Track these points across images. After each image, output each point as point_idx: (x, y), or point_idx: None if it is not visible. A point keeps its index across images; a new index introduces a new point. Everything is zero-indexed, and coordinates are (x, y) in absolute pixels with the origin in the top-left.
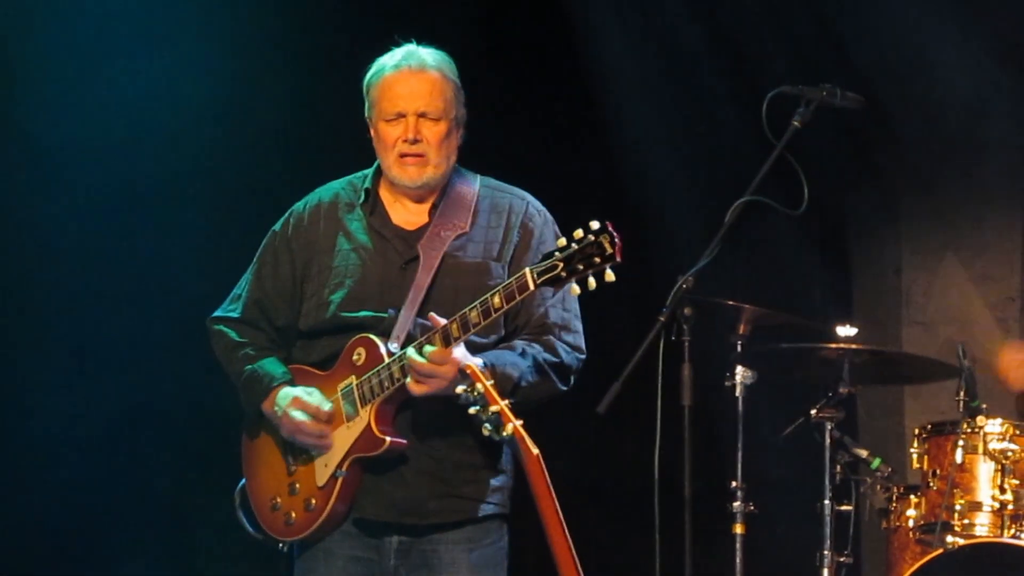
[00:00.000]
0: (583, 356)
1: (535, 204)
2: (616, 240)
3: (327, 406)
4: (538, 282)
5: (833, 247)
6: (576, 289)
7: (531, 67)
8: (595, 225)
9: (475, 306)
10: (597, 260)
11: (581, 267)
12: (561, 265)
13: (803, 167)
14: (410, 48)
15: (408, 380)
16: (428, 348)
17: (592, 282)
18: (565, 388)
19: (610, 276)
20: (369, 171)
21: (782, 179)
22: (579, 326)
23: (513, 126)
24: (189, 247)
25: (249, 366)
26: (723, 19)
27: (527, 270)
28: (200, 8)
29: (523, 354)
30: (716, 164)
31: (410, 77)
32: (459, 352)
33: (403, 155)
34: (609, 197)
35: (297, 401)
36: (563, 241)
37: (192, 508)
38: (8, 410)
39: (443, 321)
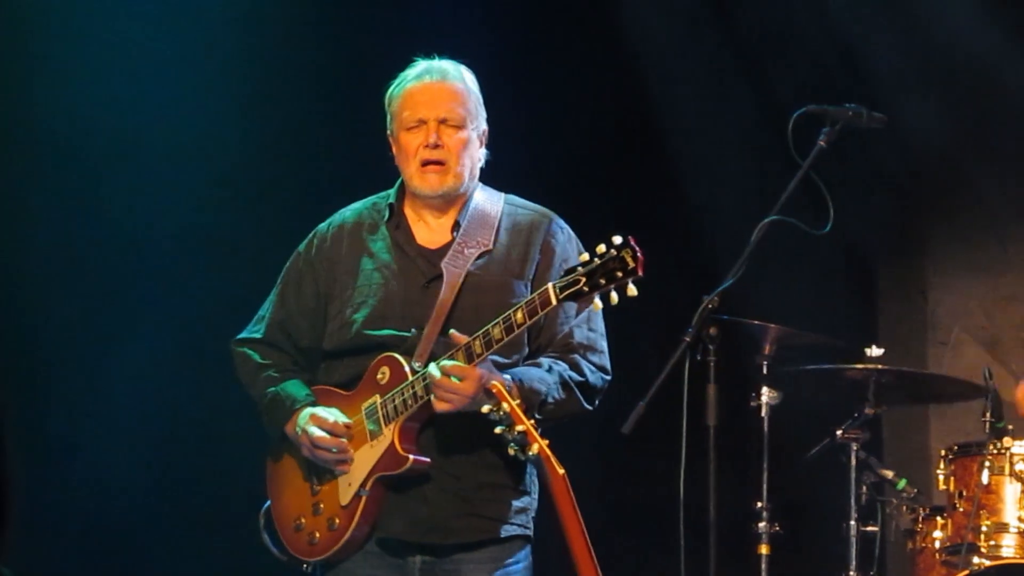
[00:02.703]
0: (608, 376)
1: (558, 222)
2: (638, 254)
3: (345, 419)
4: (560, 297)
5: (858, 268)
6: (598, 304)
7: (557, 88)
8: (617, 240)
9: (498, 322)
10: (619, 275)
11: (603, 281)
12: (583, 280)
13: (828, 187)
14: (432, 61)
15: (431, 397)
16: (450, 365)
17: (615, 297)
18: (590, 408)
19: (632, 291)
20: (392, 190)
21: (808, 199)
22: (604, 346)
23: (537, 145)
24: (213, 268)
25: (271, 388)
26: (748, 36)
27: (549, 285)
28: (227, 32)
29: (550, 371)
30: (742, 183)
31: (432, 86)
32: (483, 369)
33: (425, 162)
34: (634, 217)
35: (315, 418)
36: (585, 256)
37: (215, 530)
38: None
39: (465, 338)
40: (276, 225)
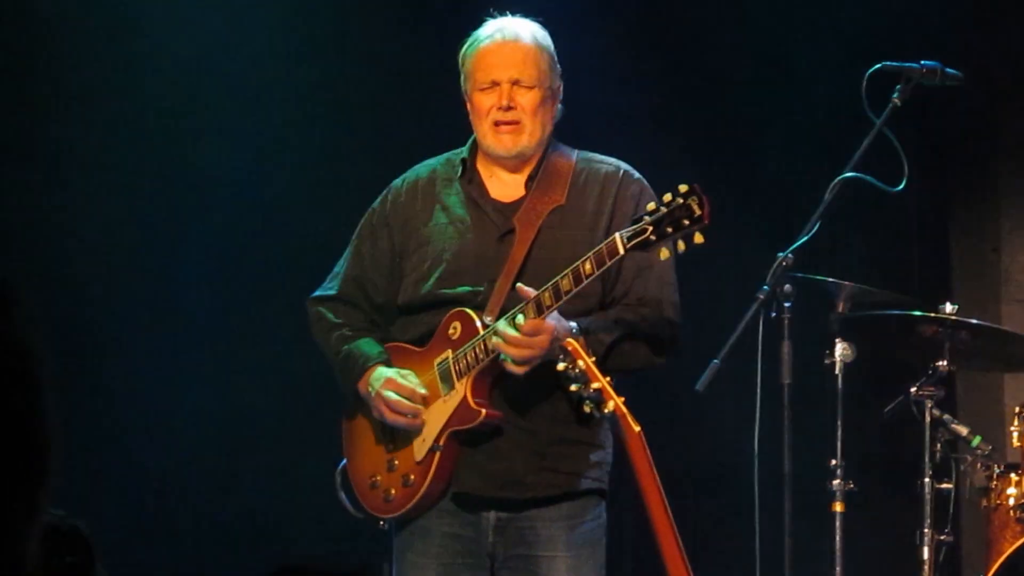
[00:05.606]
0: (679, 329)
1: (631, 173)
2: (704, 202)
3: (422, 389)
4: (627, 246)
5: (931, 226)
6: (666, 252)
7: (628, 39)
8: (683, 188)
9: (566, 274)
10: (686, 222)
11: (670, 230)
12: (650, 228)
13: (902, 145)
14: (504, 19)
15: (504, 358)
16: (520, 319)
17: (683, 245)
18: (660, 361)
19: (699, 238)
20: (465, 146)
21: (881, 156)
22: (676, 298)
23: (606, 99)
24: (285, 227)
25: (345, 347)
26: None
27: (616, 235)
28: None
29: (617, 322)
30: (815, 141)
31: (504, 46)
32: (552, 321)
33: (497, 123)
34: (708, 173)
35: (391, 382)
36: (652, 205)
37: (290, 491)
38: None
39: (532, 291)
40: (351, 182)
